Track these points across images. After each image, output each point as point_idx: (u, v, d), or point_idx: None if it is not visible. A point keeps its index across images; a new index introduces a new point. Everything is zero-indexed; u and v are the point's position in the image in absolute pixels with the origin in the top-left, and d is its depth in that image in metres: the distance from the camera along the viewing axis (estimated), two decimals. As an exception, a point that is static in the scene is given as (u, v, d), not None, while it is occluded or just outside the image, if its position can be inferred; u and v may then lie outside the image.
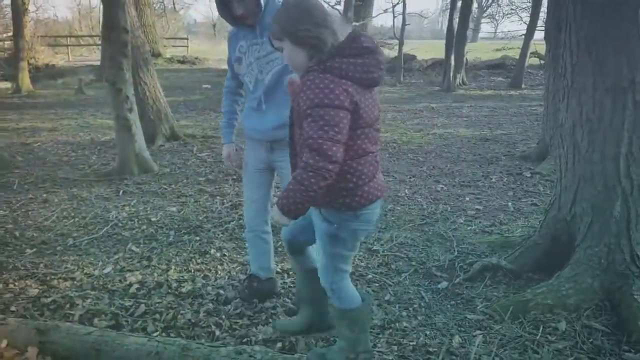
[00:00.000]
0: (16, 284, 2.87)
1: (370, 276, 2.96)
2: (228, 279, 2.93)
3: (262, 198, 2.54)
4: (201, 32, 43.24)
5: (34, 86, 13.23)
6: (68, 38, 25.95)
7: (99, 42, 23.88)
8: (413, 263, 3.15)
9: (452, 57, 13.99)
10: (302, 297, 2.31)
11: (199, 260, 3.19)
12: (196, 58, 22.44)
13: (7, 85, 13.08)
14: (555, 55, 5.15)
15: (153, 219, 3.94)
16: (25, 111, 9.61)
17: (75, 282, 2.88)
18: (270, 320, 2.45)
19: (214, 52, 29.45)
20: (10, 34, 13.73)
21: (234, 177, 5.19)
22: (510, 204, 4.37)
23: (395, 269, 3.07)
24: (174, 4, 19.27)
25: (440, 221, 3.91)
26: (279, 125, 2.22)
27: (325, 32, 1.66)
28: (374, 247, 3.38)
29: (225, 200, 4.42)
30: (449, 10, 16.24)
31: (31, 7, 17.92)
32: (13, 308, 2.58)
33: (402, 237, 3.56)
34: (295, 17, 1.67)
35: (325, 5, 1.82)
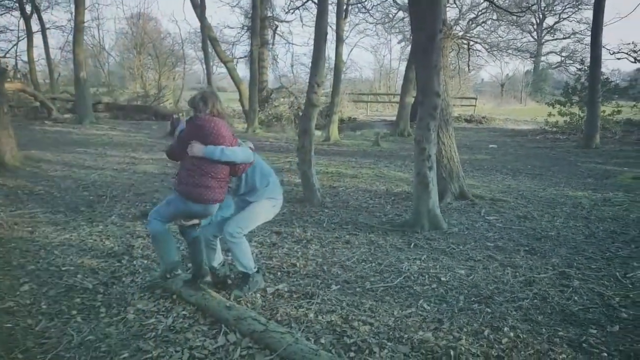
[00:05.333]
0: (323, 317, 3.21)
1: None
2: (527, 366, 2.66)
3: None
4: (487, 91, 43.11)
5: (338, 136, 15.27)
6: (369, 96, 29.47)
7: (394, 100, 26.45)
8: None
9: None
10: None
11: (491, 337, 3.00)
12: (483, 117, 22.36)
13: (318, 133, 15.48)
14: None
15: (443, 279, 3.93)
16: (333, 157, 11.11)
17: (373, 328, 3.05)
18: None
19: (500, 111, 28.87)
20: (329, 90, 16.30)
21: (526, 248, 4.82)
22: None
23: None
24: (468, 66, 19.81)
25: None
26: None
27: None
28: None
29: (517, 273, 4.11)
30: None
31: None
32: (322, 340, 2.88)
33: None
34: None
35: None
